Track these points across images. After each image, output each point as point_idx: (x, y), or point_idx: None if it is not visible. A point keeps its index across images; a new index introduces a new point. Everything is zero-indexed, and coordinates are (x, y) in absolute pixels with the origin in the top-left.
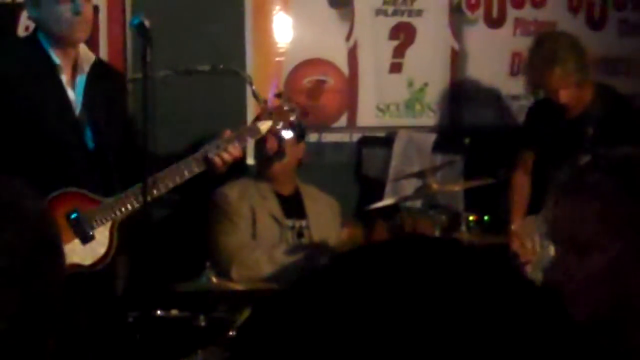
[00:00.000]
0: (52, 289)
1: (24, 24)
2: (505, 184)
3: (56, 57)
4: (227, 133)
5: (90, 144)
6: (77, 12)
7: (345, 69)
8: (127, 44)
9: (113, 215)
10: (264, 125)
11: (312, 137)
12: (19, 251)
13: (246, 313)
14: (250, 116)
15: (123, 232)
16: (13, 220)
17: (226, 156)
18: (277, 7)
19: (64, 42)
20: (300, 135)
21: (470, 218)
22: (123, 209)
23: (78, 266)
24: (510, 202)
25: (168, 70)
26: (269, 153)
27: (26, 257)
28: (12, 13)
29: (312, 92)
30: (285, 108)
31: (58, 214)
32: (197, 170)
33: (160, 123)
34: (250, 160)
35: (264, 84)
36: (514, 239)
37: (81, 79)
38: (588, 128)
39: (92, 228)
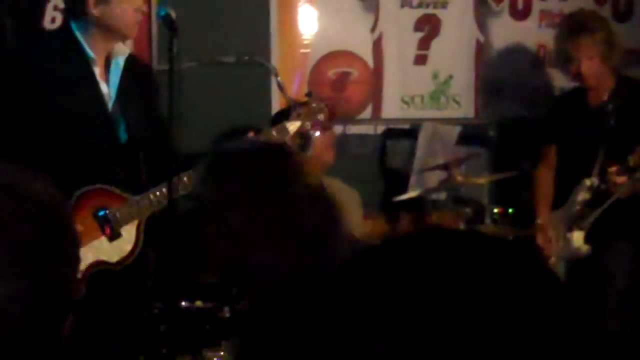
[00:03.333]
0: (65, 273)
1: (50, 15)
2: (529, 177)
3: (90, 51)
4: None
5: (122, 138)
6: (142, 11)
7: (370, 60)
8: (153, 35)
9: (140, 213)
10: (293, 126)
11: (337, 129)
12: (28, 235)
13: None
14: (275, 107)
15: (150, 228)
16: (19, 204)
17: None
18: None
19: (118, 38)
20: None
21: (495, 211)
22: (151, 207)
23: (105, 263)
24: (534, 196)
25: (193, 62)
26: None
27: (35, 241)
28: (39, 4)
29: (337, 84)
30: (314, 107)
31: (86, 210)
32: None
33: (185, 115)
34: None
35: (289, 75)
36: (539, 232)
37: (115, 73)
38: (610, 119)
39: (120, 226)
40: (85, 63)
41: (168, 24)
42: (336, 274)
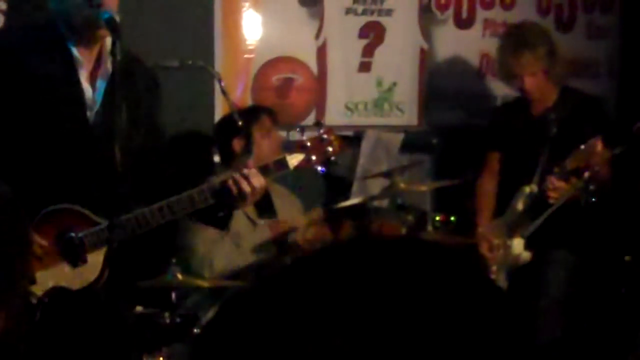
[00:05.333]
0: (11, 270)
1: None
2: (472, 185)
3: (76, 50)
4: (250, 164)
5: (103, 153)
6: (97, 4)
7: (314, 67)
8: None
9: (108, 240)
10: (294, 159)
11: (280, 134)
12: None
13: (211, 312)
14: (218, 113)
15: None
16: None
17: (245, 186)
18: (247, 4)
19: (84, 37)
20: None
21: (437, 218)
22: (122, 234)
23: (65, 289)
24: (477, 204)
25: None
26: (237, 152)
27: None
28: None
29: (281, 90)
30: (324, 140)
31: (51, 231)
32: (211, 201)
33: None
34: (217, 159)
35: (232, 80)
36: (480, 240)
37: (103, 77)
38: (552, 129)
39: (85, 252)
40: (70, 64)
41: (112, 27)
42: (272, 281)
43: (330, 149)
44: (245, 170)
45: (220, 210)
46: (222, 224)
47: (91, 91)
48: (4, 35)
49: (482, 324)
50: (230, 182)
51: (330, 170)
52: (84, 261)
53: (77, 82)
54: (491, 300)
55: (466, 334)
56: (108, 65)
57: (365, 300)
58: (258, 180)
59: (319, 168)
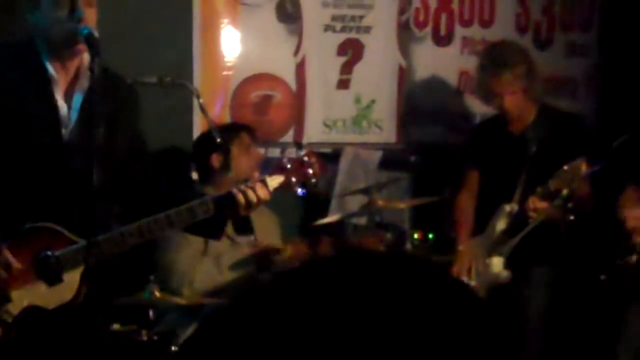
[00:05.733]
0: None
1: None
2: (450, 203)
3: (51, 68)
4: (255, 176)
5: (79, 170)
6: (78, 19)
7: (292, 84)
8: None
9: (85, 259)
10: (274, 181)
11: (259, 152)
12: None
13: (189, 330)
14: (196, 130)
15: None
16: None
17: (251, 194)
18: (226, 21)
19: (63, 53)
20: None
21: (415, 236)
22: (100, 253)
23: (39, 308)
24: (455, 221)
25: None
26: (216, 168)
27: None
28: None
29: (259, 107)
30: (304, 162)
31: (27, 250)
32: (189, 222)
33: None
34: (194, 176)
35: (211, 97)
36: (459, 259)
37: (79, 93)
38: (531, 147)
39: (62, 271)
40: (45, 82)
41: (90, 43)
42: (251, 298)
43: (310, 171)
44: (250, 183)
45: (216, 221)
46: (217, 234)
47: (66, 108)
48: None
49: (465, 334)
50: (238, 192)
51: (309, 191)
52: (60, 280)
53: (52, 99)
54: (474, 311)
55: (449, 343)
56: (85, 81)
57: (345, 314)
58: (263, 192)
59: (299, 190)
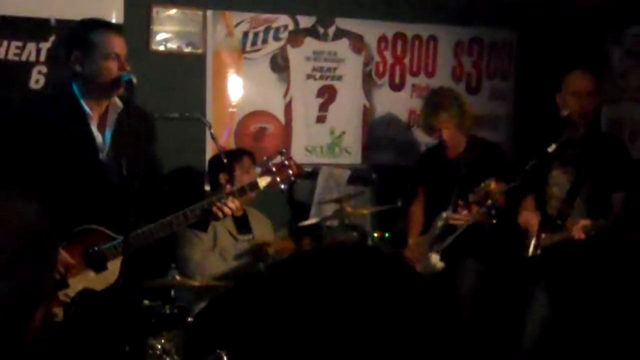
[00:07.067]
0: (38, 275)
1: (35, 78)
2: (402, 210)
3: (87, 106)
4: (228, 188)
5: (114, 183)
6: (123, 68)
7: (282, 119)
8: None
9: (123, 251)
10: (264, 181)
11: (256, 172)
12: (9, 245)
13: (201, 306)
14: (208, 153)
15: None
16: (2, 223)
17: (226, 209)
18: (231, 70)
19: (103, 93)
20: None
21: (375, 235)
22: (133, 246)
23: (91, 290)
24: (408, 224)
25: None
26: (223, 184)
27: (15, 250)
28: (26, 69)
29: (257, 136)
30: (285, 165)
31: (79, 247)
32: (199, 218)
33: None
34: (207, 188)
35: (220, 129)
36: (410, 251)
37: (110, 125)
38: (462, 169)
39: (106, 261)
40: (82, 118)
41: (129, 87)
42: (251, 281)
43: (290, 172)
44: (226, 193)
45: (203, 221)
46: (204, 228)
47: (100, 137)
48: (37, 98)
49: (413, 300)
50: (214, 207)
51: (292, 191)
52: (105, 268)
53: (88, 131)
54: (417, 285)
55: (402, 306)
56: (114, 114)
57: (323, 292)
58: (233, 203)
59: (282, 186)
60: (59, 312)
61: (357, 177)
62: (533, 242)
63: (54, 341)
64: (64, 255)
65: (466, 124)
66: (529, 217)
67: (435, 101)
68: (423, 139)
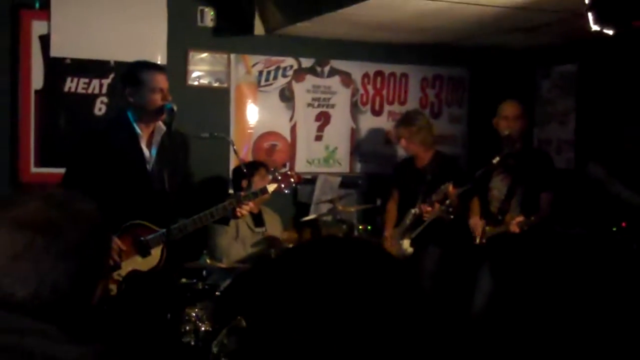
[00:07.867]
0: (98, 257)
1: (98, 107)
2: (381, 208)
3: (138, 128)
4: (243, 193)
5: (158, 188)
6: (166, 99)
7: (289, 138)
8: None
9: (164, 240)
10: (272, 187)
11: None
12: (74, 234)
13: (226, 283)
14: (232, 165)
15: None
16: (73, 217)
17: (245, 210)
18: (249, 100)
19: (150, 118)
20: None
21: (360, 227)
22: (172, 236)
23: (139, 271)
24: (385, 219)
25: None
26: (244, 188)
27: (81, 238)
28: (91, 99)
29: (269, 151)
30: (288, 174)
31: (129, 237)
32: (223, 215)
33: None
34: (231, 191)
35: (240, 145)
36: (385, 240)
37: (155, 143)
38: (427, 176)
39: (150, 248)
40: (134, 137)
41: (170, 113)
42: (266, 264)
43: (292, 180)
44: (244, 196)
45: (226, 218)
46: (226, 222)
47: (148, 152)
48: (100, 123)
49: (390, 279)
50: (237, 206)
51: (296, 193)
52: (150, 254)
53: (139, 147)
54: (395, 267)
55: (381, 282)
56: (159, 135)
57: (322, 273)
58: (248, 206)
59: (286, 191)
60: (113, 287)
61: (346, 182)
62: (479, 235)
63: (109, 310)
64: (117, 243)
65: (429, 140)
66: (476, 223)
67: (403, 118)
68: (399, 153)
